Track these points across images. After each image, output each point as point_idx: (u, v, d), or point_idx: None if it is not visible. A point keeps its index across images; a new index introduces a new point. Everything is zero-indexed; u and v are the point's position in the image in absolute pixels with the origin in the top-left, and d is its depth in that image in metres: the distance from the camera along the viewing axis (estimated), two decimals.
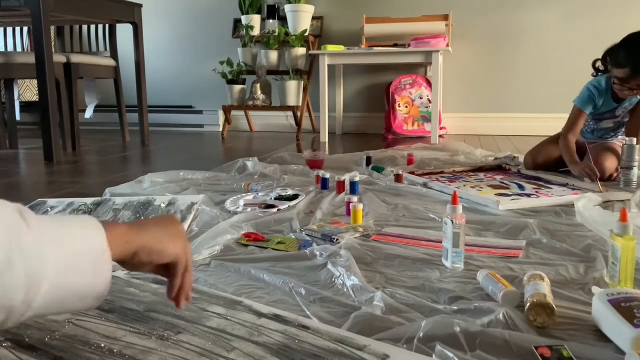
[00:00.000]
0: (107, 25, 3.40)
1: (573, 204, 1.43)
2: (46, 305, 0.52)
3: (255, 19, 3.75)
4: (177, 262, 0.67)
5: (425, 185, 1.81)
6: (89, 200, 1.56)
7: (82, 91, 3.30)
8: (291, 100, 3.57)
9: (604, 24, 3.34)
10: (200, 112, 4.17)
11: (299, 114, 3.61)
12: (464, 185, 1.83)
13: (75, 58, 2.99)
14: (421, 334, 0.74)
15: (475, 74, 3.69)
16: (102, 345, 0.71)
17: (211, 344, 0.71)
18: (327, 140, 3.35)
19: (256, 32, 3.75)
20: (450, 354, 0.68)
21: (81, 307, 0.57)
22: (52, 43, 3.36)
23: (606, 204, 1.52)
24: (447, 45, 3.31)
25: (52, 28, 3.44)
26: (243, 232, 1.27)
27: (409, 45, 3.36)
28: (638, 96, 1.95)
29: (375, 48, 3.33)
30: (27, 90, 4.02)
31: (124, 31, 3.59)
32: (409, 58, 3.34)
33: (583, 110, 2.01)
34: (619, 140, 2.04)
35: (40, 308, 0.52)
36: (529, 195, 1.68)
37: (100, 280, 0.56)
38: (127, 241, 0.61)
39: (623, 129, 2.06)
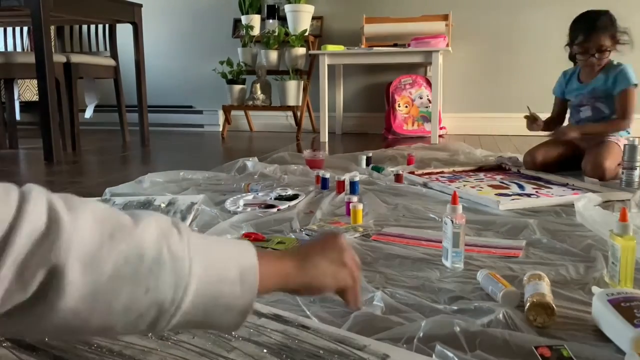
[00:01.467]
0: (107, 25, 3.40)
1: (573, 204, 1.43)
2: (194, 308, 0.51)
3: (255, 19, 3.75)
4: (345, 289, 0.65)
5: (425, 185, 1.81)
6: None
7: (82, 91, 3.30)
8: (291, 100, 3.57)
9: None
10: (200, 112, 4.17)
11: (299, 114, 3.61)
12: (464, 185, 1.83)
13: (75, 58, 2.99)
14: (421, 334, 0.74)
15: (475, 74, 3.69)
16: (102, 345, 0.71)
17: (211, 344, 0.71)
18: (327, 140, 3.35)
19: (256, 32, 3.75)
20: (450, 354, 0.68)
21: (226, 322, 0.54)
22: (52, 43, 3.36)
23: (606, 204, 1.52)
24: (447, 45, 3.31)
25: (52, 28, 3.44)
26: (243, 232, 1.27)
27: (409, 45, 3.35)
28: (603, 79, 2.05)
29: (375, 48, 3.33)
30: (27, 90, 4.02)
31: (124, 31, 3.59)
32: (409, 58, 3.34)
33: (554, 94, 2.27)
34: (616, 139, 2.05)
35: (189, 312, 0.51)
36: (529, 195, 1.68)
37: (247, 294, 0.54)
38: (287, 277, 0.59)
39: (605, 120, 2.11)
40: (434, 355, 0.69)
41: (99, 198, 1.61)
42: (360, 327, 0.77)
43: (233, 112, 3.87)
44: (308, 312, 0.84)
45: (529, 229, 1.28)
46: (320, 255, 0.63)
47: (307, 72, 3.75)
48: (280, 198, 1.61)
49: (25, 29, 3.55)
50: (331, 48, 3.30)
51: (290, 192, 1.67)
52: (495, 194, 1.68)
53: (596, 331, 0.77)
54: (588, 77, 2.12)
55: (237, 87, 3.61)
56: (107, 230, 0.47)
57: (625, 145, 1.85)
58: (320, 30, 3.87)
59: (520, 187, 1.82)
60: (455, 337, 0.73)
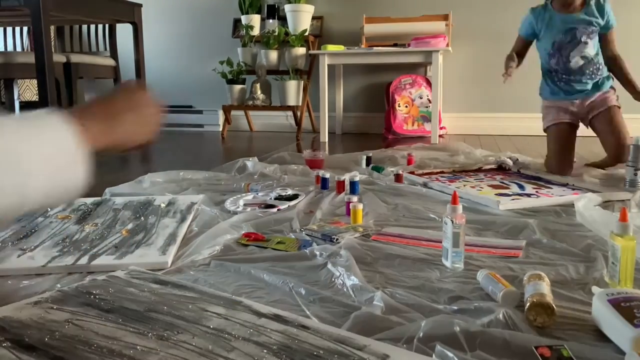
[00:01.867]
0: (107, 25, 3.40)
1: (573, 204, 1.43)
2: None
3: (255, 19, 3.75)
4: (147, 145, 0.70)
5: (425, 185, 1.81)
6: (89, 200, 1.56)
7: (82, 91, 3.30)
8: (291, 100, 3.57)
9: None
10: (200, 112, 4.17)
11: (299, 114, 3.61)
12: (464, 185, 1.83)
13: (75, 58, 2.99)
14: (421, 334, 0.74)
15: (475, 74, 3.68)
16: (102, 345, 0.71)
17: (211, 344, 0.71)
18: (327, 140, 3.35)
19: (256, 32, 3.75)
20: (450, 354, 0.68)
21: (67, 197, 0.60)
22: (52, 43, 3.36)
23: (606, 204, 1.52)
24: (447, 45, 3.31)
25: (52, 28, 3.44)
26: (243, 232, 1.27)
27: (409, 45, 3.35)
28: (594, 6, 1.92)
29: (375, 48, 3.33)
30: (27, 90, 4.02)
31: (124, 31, 3.59)
32: (409, 58, 3.34)
33: (519, 34, 2.10)
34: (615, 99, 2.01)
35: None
36: (529, 195, 1.68)
37: (77, 177, 0.58)
38: (100, 138, 0.61)
39: (598, 70, 2.01)
40: (434, 355, 0.69)
41: (99, 198, 1.61)
42: (360, 327, 0.77)
43: (233, 112, 3.87)
44: (308, 312, 0.84)
45: (529, 229, 1.28)
46: (129, 113, 0.64)
47: (307, 72, 3.75)
48: (280, 198, 1.61)
49: (25, 29, 3.55)
50: (331, 48, 3.30)
51: (290, 192, 1.67)
52: (495, 194, 1.68)
53: (596, 331, 0.77)
54: (568, 7, 1.93)
55: (237, 87, 3.61)
56: None
57: (630, 145, 1.83)
58: (320, 30, 3.87)
59: (520, 187, 1.81)
60: (455, 337, 0.73)
